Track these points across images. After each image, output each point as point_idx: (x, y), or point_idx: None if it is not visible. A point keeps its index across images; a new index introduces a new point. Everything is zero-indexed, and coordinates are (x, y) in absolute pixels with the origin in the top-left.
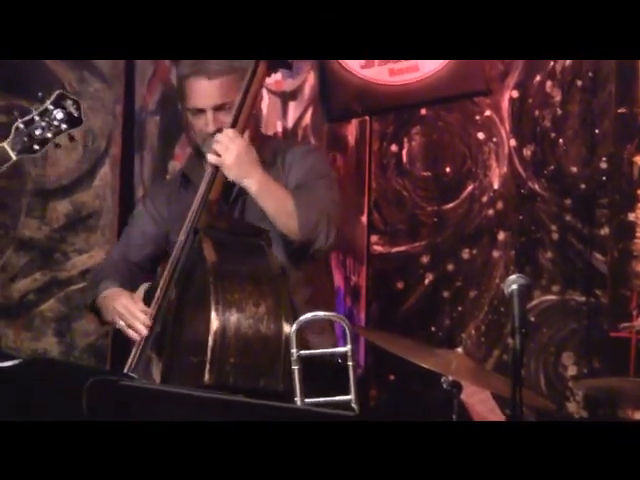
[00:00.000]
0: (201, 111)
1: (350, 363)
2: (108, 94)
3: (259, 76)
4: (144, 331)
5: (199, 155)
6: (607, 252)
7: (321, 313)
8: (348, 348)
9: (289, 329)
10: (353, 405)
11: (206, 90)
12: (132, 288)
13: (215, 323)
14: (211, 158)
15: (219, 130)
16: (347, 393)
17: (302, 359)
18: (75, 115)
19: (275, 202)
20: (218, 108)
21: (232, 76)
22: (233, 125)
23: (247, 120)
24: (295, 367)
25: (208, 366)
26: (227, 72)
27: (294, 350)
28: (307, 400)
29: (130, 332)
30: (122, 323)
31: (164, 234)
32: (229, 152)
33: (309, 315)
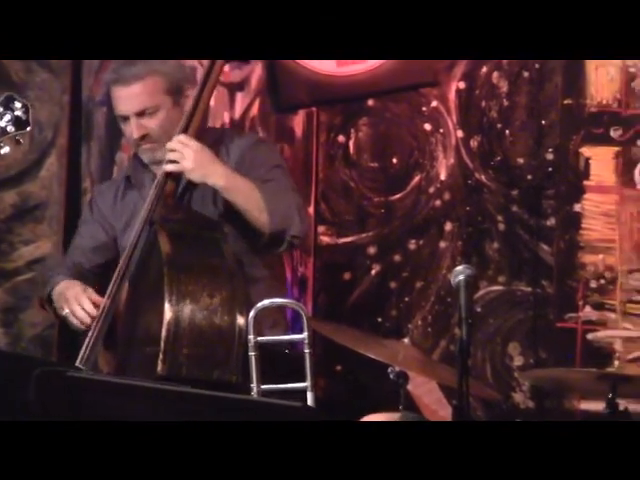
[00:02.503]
0: (126, 118)
1: (307, 350)
2: (55, 84)
3: (215, 75)
4: (87, 319)
5: (137, 159)
6: (553, 243)
7: (278, 300)
8: (305, 335)
9: (243, 321)
10: (309, 392)
11: (126, 97)
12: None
13: (169, 314)
14: (171, 168)
15: (144, 137)
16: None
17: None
18: (23, 118)
19: (244, 195)
20: (140, 114)
21: (151, 80)
22: (185, 130)
23: (199, 125)
24: (252, 353)
25: (161, 356)
26: (145, 76)
27: (251, 336)
28: (263, 387)
29: (73, 320)
30: (67, 310)
31: (113, 239)
32: (186, 157)
33: (266, 302)
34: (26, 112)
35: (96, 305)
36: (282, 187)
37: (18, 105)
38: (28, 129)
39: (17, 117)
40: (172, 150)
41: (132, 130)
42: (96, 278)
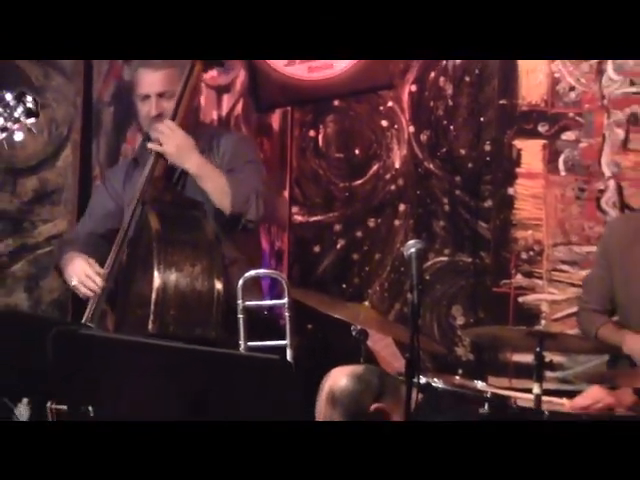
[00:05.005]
0: (147, 97)
1: (287, 314)
2: (69, 88)
3: (195, 75)
4: (97, 289)
5: (147, 141)
6: (490, 221)
7: (262, 270)
8: (286, 300)
9: (221, 286)
10: (288, 349)
11: (151, 79)
12: (96, 256)
13: (157, 281)
14: (154, 147)
15: (160, 115)
16: (282, 339)
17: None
18: (33, 110)
19: (211, 181)
20: (161, 95)
21: (172, 69)
22: (173, 117)
23: (185, 113)
24: (240, 316)
25: (152, 317)
26: (169, 65)
27: (240, 301)
28: (249, 343)
29: (82, 289)
30: (76, 280)
31: (121, 209)
32: (170, 141)
33: (253, 272)
34: (36, 105)
35: (100, 274)
36: (247, 179)
37: (29, 99)
38: (38, 119)
39: (29, 109)
40: (160, 131)
41: (152, 107)
42: (106, 242)
